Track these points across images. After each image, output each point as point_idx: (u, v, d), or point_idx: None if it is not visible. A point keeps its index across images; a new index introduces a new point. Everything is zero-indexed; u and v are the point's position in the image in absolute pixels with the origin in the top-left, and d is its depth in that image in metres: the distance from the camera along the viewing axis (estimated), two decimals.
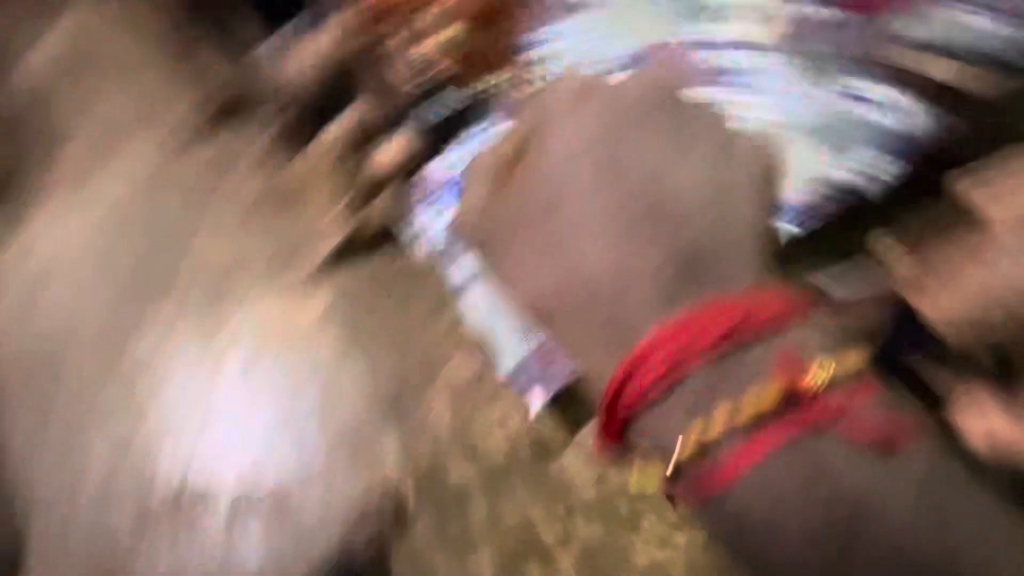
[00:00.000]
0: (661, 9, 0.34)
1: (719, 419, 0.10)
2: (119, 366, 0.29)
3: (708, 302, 0.11)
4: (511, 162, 0.14)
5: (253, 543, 0.25)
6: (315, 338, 0.31)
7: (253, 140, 0.39)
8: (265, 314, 0.33)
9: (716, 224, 0.12)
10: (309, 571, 0.23)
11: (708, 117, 0.14)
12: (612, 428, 0.12)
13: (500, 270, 0.14)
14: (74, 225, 0.34)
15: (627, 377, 0.11)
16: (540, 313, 0.13)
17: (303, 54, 0.46)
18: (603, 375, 0.11)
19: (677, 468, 0.10)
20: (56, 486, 0.26)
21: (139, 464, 0.25)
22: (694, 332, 0.10)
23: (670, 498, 0.12)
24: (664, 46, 0.33)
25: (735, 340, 0.10)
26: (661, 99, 0.13)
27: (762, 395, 0.10)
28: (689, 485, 0.11)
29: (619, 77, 0.14)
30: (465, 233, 0.15)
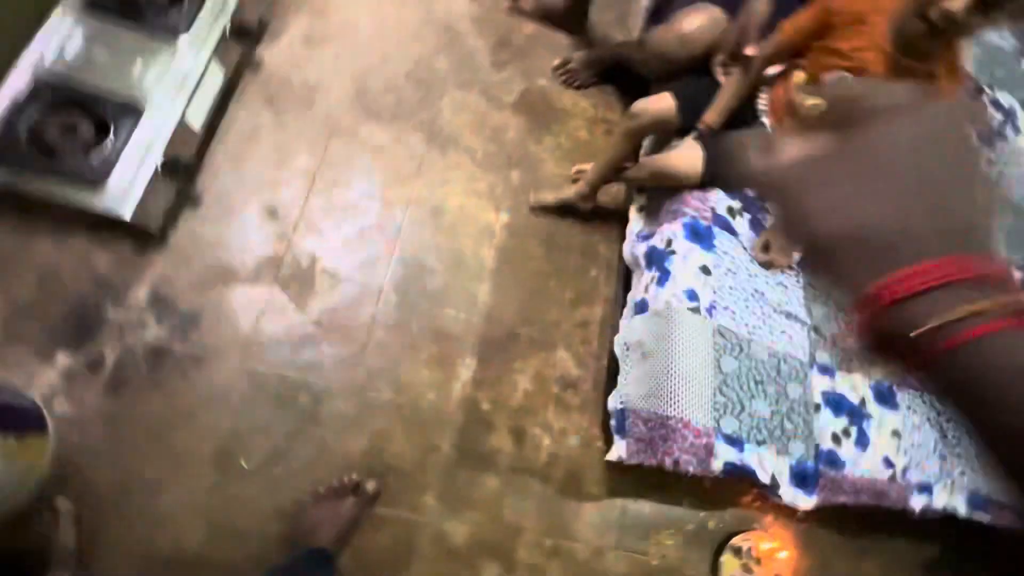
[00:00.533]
0: None
1: (964, 310, 0.19)
2: None
3: (955, 257, 0.20)
4: (818, 122, 0.24)
5: None
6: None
7: None
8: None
9: (970, 216, 0.21)
10: None
11: (973, 147, 0.23)
12: (872, 316, 0.21)
13: (813, 202, 0.22)
14: None
15: (911, 280, 0.20)
16: (831, 239, 0.22)
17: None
18: (864, 285, 0.21)
19: (932, 330, 0.20)
20: None
21: None
22: (948, 270, 0.20)
23: (911, 355, 0.21)
24: None
25: (971, 282, 0.20)
26: (954, 126, 0.22)
27: (990, 305, 0.19)
28: (937, 343, 0.20)
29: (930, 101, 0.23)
30: (786, 168, 0.24)
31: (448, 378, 1.32)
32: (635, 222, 1.46)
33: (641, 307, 1.28)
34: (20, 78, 1.11)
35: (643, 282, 1.32)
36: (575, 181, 1.54)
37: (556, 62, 1.73)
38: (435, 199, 1.46)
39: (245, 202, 1.31)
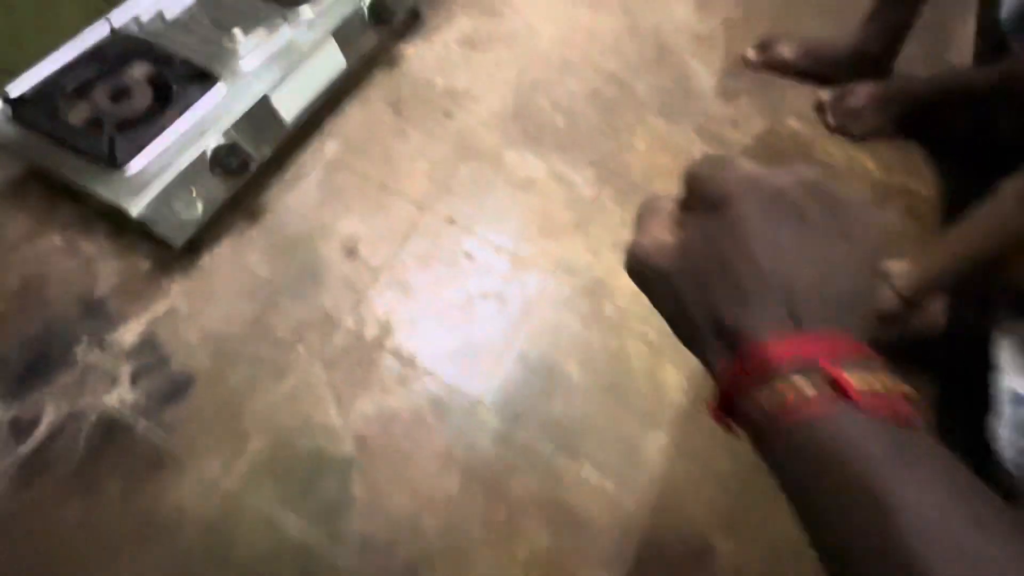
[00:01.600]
0: None
1: (788, 398, 0.18)
2: None
3: (804, 336, 0.19)
4: (676, 210, 0.23)
5: None
6: None
7: None
8: None
9: (818, 294, 0.19)
10: None
11: (843, 211, 0.21)
12: (727, 398, 0.20)
13: (683, 296, 0.21)
14: None
15: (751, 365, 0.19)
16: (695, 326, 0.21)
17: None
18: (723, 369, 0.20)
19: (760, 419, 0.19)
20: None
21: None
22: (795, 349, 0.18)
23: (755, 438, 0.20)
24: None
25: (814, 356, 0.18)
26: (810, 196, 0.20)
27: (817, 390, 0.18)
28: (769, 429, 0.19)
29: (779, 171, 0.21)
30: (653, 263, 0.22)
31: None
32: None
33: None
34: (98, 32, 0.86)
35: None
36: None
37: (823, 94, 1.10)
38: (597, 269, 0.88)
39: (321, 229, 0.89)
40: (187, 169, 0.76)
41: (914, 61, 1.18)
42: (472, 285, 0.86)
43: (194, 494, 0.69)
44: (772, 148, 1.06)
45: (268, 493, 0.70)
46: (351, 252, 0.87)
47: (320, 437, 0.74)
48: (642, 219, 0.24)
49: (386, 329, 0.82)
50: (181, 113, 0.79)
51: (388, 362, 0.79)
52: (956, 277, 0.71)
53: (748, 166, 0.21)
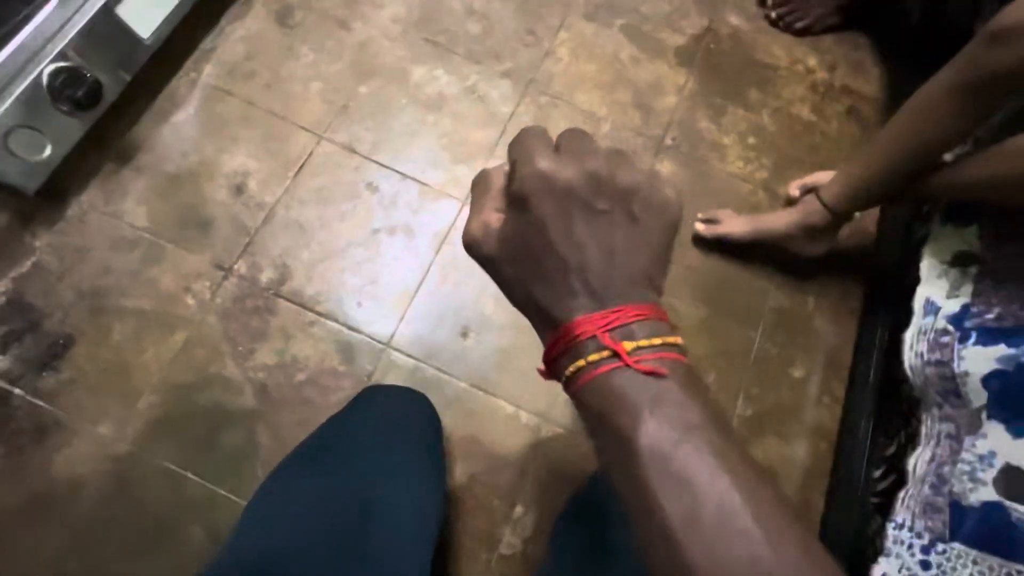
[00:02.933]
0: None
1: (579, 364, 0.21)
2: None
3: (599, 313, 0.22)
4: (506, 186, 0.24)
5: None
6: None
7: None
8: None
9: (613, 273, 0.22)
10: None
11: (630, 195, 0.23)
12: (548, 363, 0.24)
13: (506, 280, 0.24)
14: None
15: (558, 340, 0.22)
16: (521, 306, 0.24)
17: None
18: (543, 339, 0.24)
19: (566, 381, 0.22)
20: None
21: None
22: (589, 326, 0.21)
23: (567, 393, 0.23)
24: None
25: (605, 328, 0.21)
26: (597, 187, 0.22)
27: (601, 355, 0.21)
28: (572, 387, 0.22)
29: (570, 159, 0.23)
30: (481, 249, 0.24)
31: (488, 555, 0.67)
32: (943, 298, 0.66)
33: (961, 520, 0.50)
34: None
35: (963, 437, 0.53)
36: (791, 203, 0.80)
37: None
38: None
39: (203, 166, 0.80)
40: (19, 100, 0.65)
41: None
42: (377, 219, 0.80)
43: (87, 460, 0.66)
44: (711, 50, 0.97)
45: (167, 451, 0.67)
46: (239, 189, 0.79)
47: (218, 390, 0.70)
48: (475, 197, 0.25)
49: (283, 272, 0.76)
50: (4, 36, 0.67)
51: (287, 307, 0.74)
52: (883, 187, 0.67)
53: (543, 163, 0.22)
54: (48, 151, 0.70)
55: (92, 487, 0.65)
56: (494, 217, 0.24)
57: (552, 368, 0.23)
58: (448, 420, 0.71)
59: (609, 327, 0.21)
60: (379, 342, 0.74)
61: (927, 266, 0.70)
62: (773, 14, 0.99)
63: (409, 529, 0.45)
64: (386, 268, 0.78)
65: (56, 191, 0.74)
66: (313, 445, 0.48)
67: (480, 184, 0.25)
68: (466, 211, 0.80)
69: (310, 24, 0.90)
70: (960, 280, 0.67)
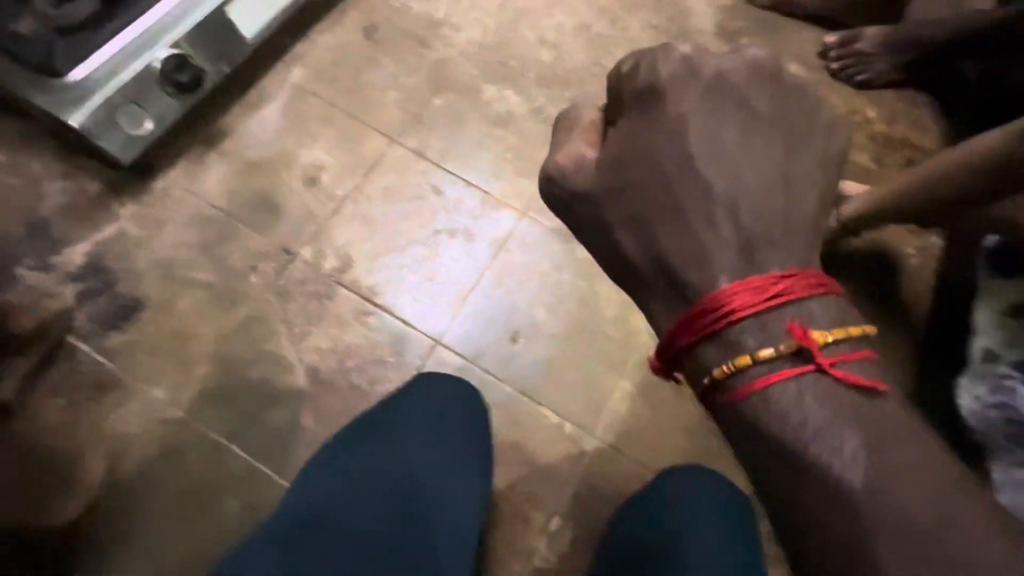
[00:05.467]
0: None
1: (740, 362, 0.15)
2: None
3: (759, 277, 0.15)
4: (603, 119, 0.19)
5: None
6: None
7: None
8: None
9: (777, 216, 0.15)
10: None
11: (798, 101, 0.16)
12: (669, 356, 0.16)
13: (610, 225, 0.17)
14: None
15: (696, 317, 0.15)
16: (632, 265, 0.16)
17: None
18: (663, 319, 0.16)
19: (709, 383, 0.15)
20: None
21: None
22: (748, 298, 0.15)
23: (703, 403, 0.16)
24: None
25: (772, 306, 0.14)
26: (760, 82, 0.16)
27: (778, 349, 0.14)
28: (721, 394, 0.15)
29: (722, 53, 0.16)
30: (572, 184, 0.17)
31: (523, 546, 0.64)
32: (1004, 347, 0.64)
33: None
34: None
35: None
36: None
37: (830, 38, 1.03)
38: None
39: (283, 157, 0.84)
40: (133, 81, 0.71)
41: (931, 3, 1.10)
42: (439, 221, 0.82)
43: (139, 420, 0.67)
44: None
45: (215, 422, 0.68)
46: (313, 181, 0.83)
47: (271, 368, 0.71)
48: (559, 132, 0.19)
49: (346, 262, 0.78)
50: (129, 21, 0.74)
51: (345, 295, 0.76)
52: (899, 218, 0.70)
53: (685, 48, 0.16)
54: (148, 127, 0.75)
55: (139, 447, 0.66)
56: (589, 150, 0.18)
57: (676, 361, 0.16)
58: (491, 428, 0.70)
59: (778, 302, 0.14)
60: (430, 338, 0.75)
61: (982, 318, 0.69)
62: (835, 66, 1.02)
63: (458, 518, 0.44)
64: (443, 268, 0.79)
65: (147, 166, 0.79)
66: (367, 421, 0.48)
67: (567, 117, 0.19)
68: (524, 222, 0.82)
69: (393, 39, 0.96)
70: (1019, 331, 0.65)
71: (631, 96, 0.17)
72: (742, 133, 0.16)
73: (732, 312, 0.14)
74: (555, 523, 0.67)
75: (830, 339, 0.14)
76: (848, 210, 0.74)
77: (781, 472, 0.14)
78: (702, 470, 0.51)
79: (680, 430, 0.72)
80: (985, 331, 0.68)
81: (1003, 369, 0.60)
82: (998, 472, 0.55)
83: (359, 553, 0.38)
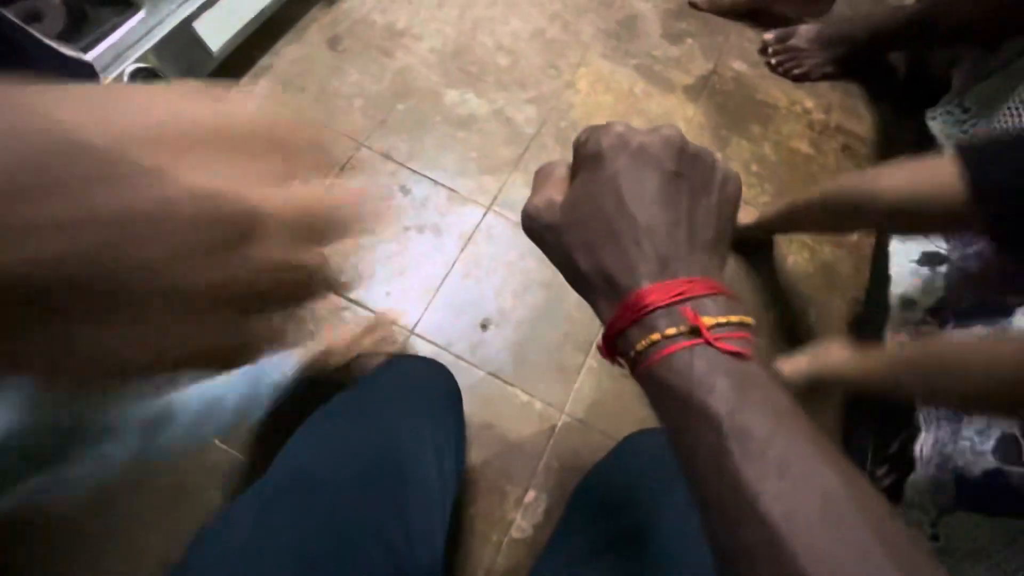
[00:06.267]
0: None
1: (653, 337, 0.21)
2: None
3: (670, 282, 0.21)
4: (568, 176, 0.25)
5: None
6: None
7: None
8: None
9: (682, 241, 0.22)
10: None
11: (700, 163, 0.23)
12: (609, 339, 0.22)
13: (569, 247, 0.23)
14: None
15: (626, 310, 0.21)
16: (584, 274, 0.23)
17: None
18: (606, 313, 0.22)
19: (635, 356, 0.21)
20: None
21: None
22: (660, 295, 0.20)
23: (633, 374, 0.22)
24: None
25: (676, 300, 0.20)
26: (670, 150, 0.22)
27: (679, 328, 0.20)
28: (641, 363, 0.21)
29: (645, 130, 0.23)
30: (543, 219, 0.24)
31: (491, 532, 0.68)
32: (920, 295, 0.71)
33: None
34: None
35: None
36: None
37: (768, 35, 1.10)
38: None
39: None
40: None
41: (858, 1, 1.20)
42: (408, 218, 0.86)
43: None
44: (716, 90, 1.07)
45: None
46: None
47: None
48: (537, 182, 0.26)
49: None
50: (97, 39, 0.76)
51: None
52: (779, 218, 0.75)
53: (619, 127, 0.23)
54: None
55: None
56: (557, 195, 0.24)
57: (615, 343, 0.22)
58: (464, 406, 0.74)
59: (681, 298, 0.20)
60: (404, 329, 0.78)
61: (897, 267, 0.75)
62: (773, 60, 1.09)
63: (434, 489, 0.47)
64: (413, 262, 0.83)
65: None
66: (346, 398, 0.52)
67: (544, 171, 0.26)
68: (490, 216, 0.87)
69: (357, 50, 1.00)
70: (932, 279, 0.72)
71: (583, 159, 0.23)
72: (658, 185, 0.22)
73: (649, 304, 0.20)
74: (529, 495, 0.71)
75: (714, 322, 0.20)
76: (833, 366, 0.65)
77: (678, 412, 0.20)
78: (660, 430, 0.55)
79: (641, 402, 0.76)
80: (900, 280, 0.74)
81: (919, 315, 0.66)
82: (924, 412, 0.61)
83: (332, 510, 0.41)
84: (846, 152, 1.03)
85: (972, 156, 0.49)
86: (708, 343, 0.19)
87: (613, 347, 0.22)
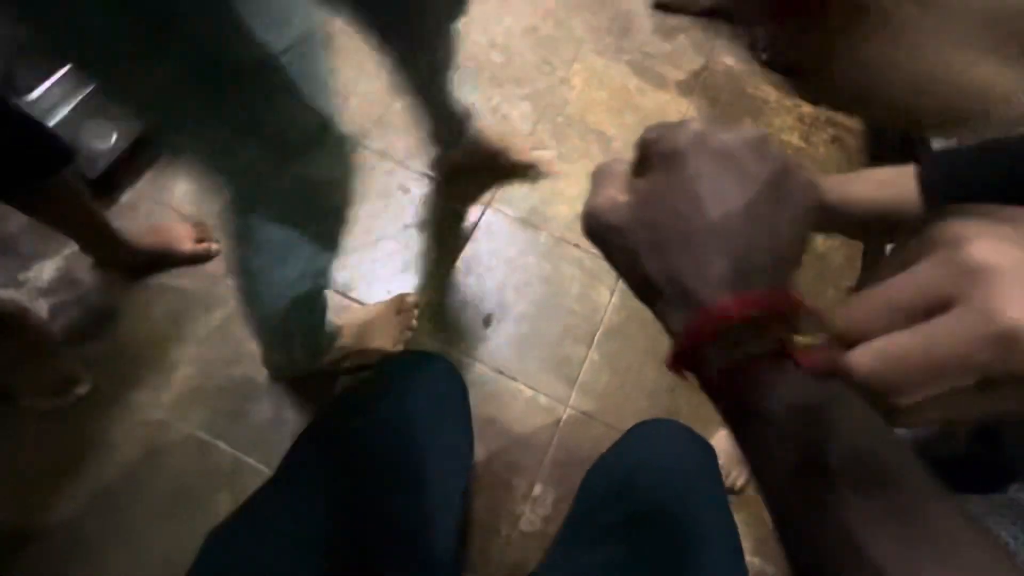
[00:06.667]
0: None
1: (735, 354, 0.20)
2: None
3: (751, 294, 0.19)
4: (630, 173, 0.23)
5: None
6: None
7: None
8: None
9: (764, 251, 0.20)
10: None
11: (780, 166, 0.21)
12: (685, 351, 0.21)
13: (636, 250, 0.21)
14: None
15: (706, 322, 0.20)
16: (649, 282, 0.21)
17: None
18: (674, 322, 0.21)
19: (715, 372, 0.20)
20: None
21: None
22: (742, 307, 0.19)
23: (707, 391, 0.22)
24: None
25: (759, 314, 0.19)
26: (751, 152, 0.21)
27: (764, 346, 0.20)
28: (720, 383, 0.21)
29: (725, 131, 0.21)
30: (608, 219, 0.22)
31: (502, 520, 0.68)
32: None
33: None
34: None
35: None
36: None
37: (759, 31, 1.12)
38: (532, 200, 0.89)
39: None
40: (94, 95, 0.72)
41: None
42: (408, 216, 0.86)
43: (120, 424, 0.68)
44: (708, 85, 1.08)
45: (197, 419, 0.69)
46: None
47: (251, 366, 0.73)
48: (597, 182, 0.24)
49: None
50: None
51: None
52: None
53: (696, 125, 0.21)
54: (113, 140, 0.76)
55: (121, 451, 0.67)
56: (619, 195, 0.23)
57: (689, 357, 0.21)
58: (469, 401, 0.74)
59: (766, 312, 0.19)
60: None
61: None
62: (764, 56, 1.11)
63: (447, 484, 0.48)
64: (415, 259, 0.83)
65: (114, 179, 0.80)
66: (357, 396, 0.52)
67: (603, 170, 0.24)
68: (490, 213, 0.87)
69: (352, 48, 1.00)
70: None
71: (655, 157, 0.22)
72: (740, 188, 0.20)
73: (731, 318, 0.19)
74: (537, 488, 0.71)
75: (801, 340, 0.19)
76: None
77: (757, 433, 0.20)
78: (665, 420, 0.57)
79: (643, 394, 0.77)
80: None
81: None
82: None
83: (350, 504, 0.41)
84: (836, 144, 1.05)
85: (930, 167, 0.49)
86: (794, 360, 0.19)
87: (689, 360, 0.21)
